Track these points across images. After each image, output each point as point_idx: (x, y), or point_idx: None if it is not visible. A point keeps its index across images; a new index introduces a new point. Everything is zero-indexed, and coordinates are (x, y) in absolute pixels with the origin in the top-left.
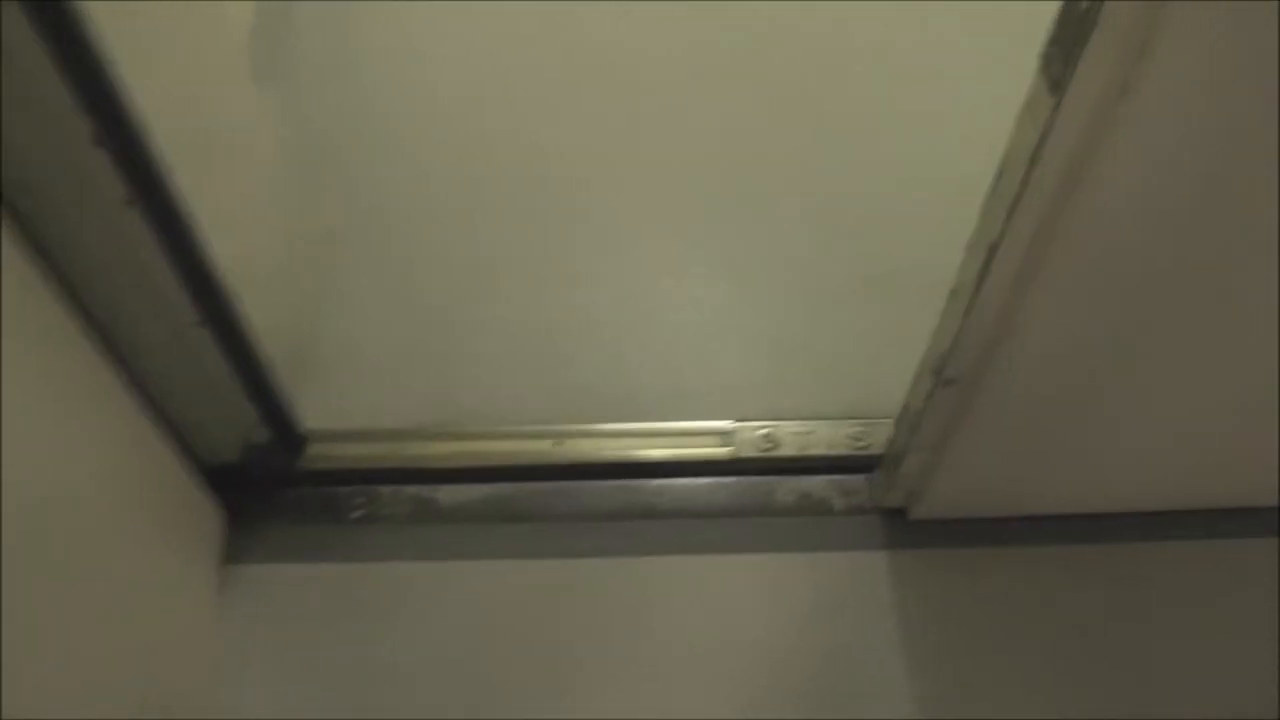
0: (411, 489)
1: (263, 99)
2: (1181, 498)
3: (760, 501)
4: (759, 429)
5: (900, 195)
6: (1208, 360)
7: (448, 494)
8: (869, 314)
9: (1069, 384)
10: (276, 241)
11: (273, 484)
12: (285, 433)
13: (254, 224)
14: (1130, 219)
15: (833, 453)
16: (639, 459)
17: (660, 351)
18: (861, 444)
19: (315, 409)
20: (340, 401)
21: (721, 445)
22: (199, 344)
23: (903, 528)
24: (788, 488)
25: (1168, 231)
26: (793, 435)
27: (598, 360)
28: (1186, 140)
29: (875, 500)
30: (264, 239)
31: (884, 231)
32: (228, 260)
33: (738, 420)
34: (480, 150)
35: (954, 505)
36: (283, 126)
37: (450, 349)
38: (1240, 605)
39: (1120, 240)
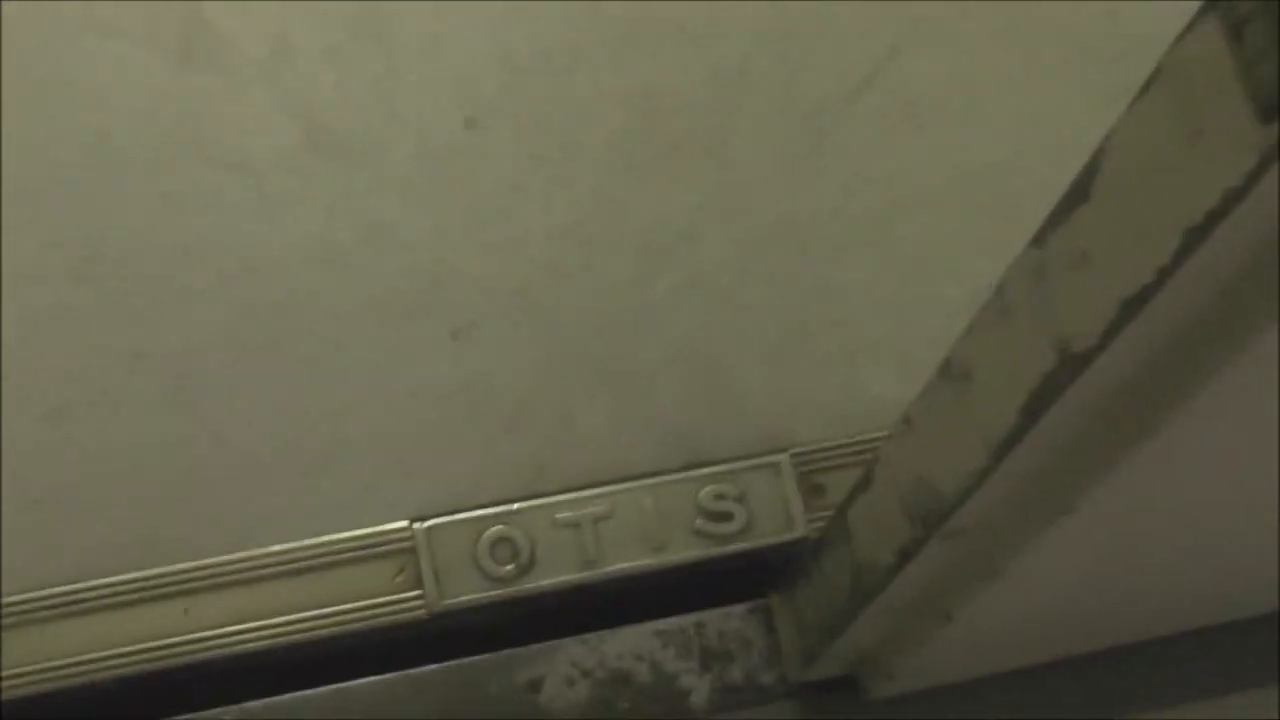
0: None
1: None
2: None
3: (511, 712)
4: (482, 526)
5: None
6: None
7: None
8: (675, 205)
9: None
10: None
11: None
12: None
13: None
14: None
15: (665, 560)
16: (200, 654)
17: (213, 379)
18: (729, 527)
19: None
20: None
21: (399, 586)
22: None
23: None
24: (569, 664)
25: None
26: (562, 530)
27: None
28: None
29: (788, 672)
30: None
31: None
32: None
33: (421, 517)
34: None
35: (962, 669)
36: None
37: None
38: None
39: None
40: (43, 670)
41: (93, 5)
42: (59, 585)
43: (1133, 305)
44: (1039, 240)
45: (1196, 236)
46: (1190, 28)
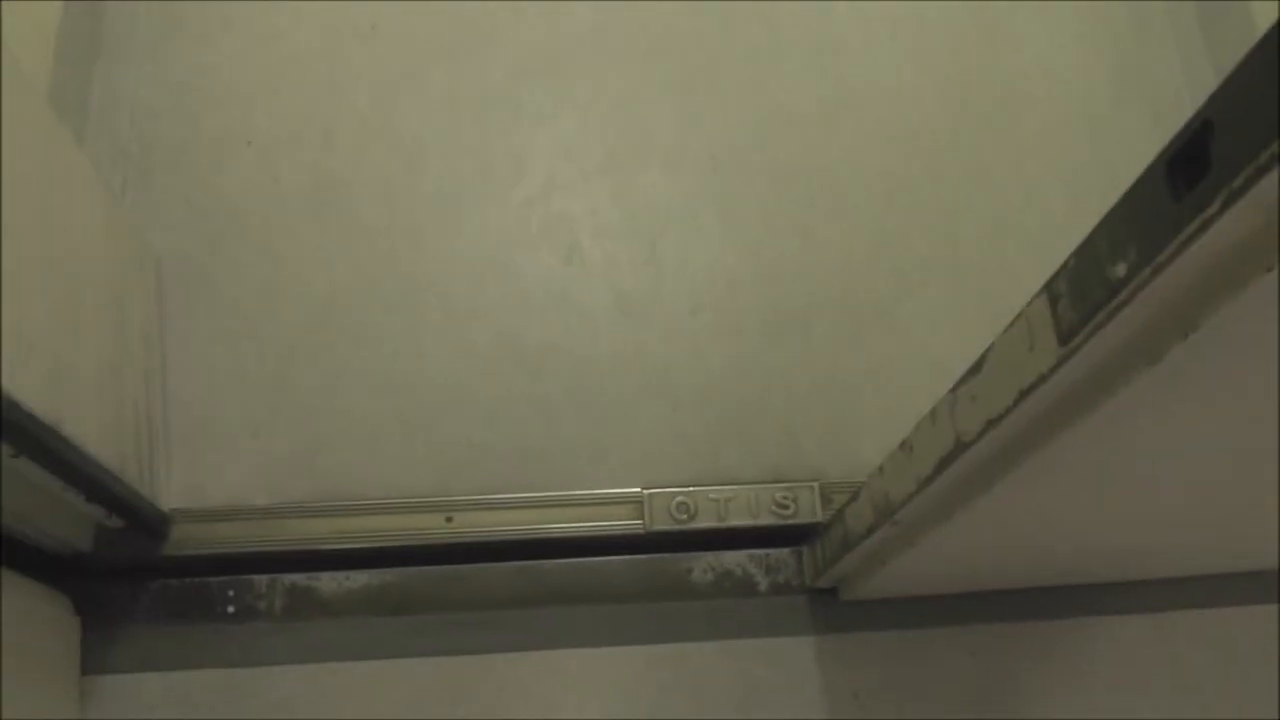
0: (289, 578)
1: None
2: (1119, 573)
3: (676, 582)
4: (674, 495)
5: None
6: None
7: (329, 583)
8: (783, 355)
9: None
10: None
11: (136, 574)
12: (143, 518)
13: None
14: None
15: (756, 522)
16: (541, 535)
17: (559, 408)
18: (787, 512)
19: (179, 486)
20: (204, 477)
21: (632, 516)
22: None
23: (832, 608)
24: (705, 564)
25: None
26: (710, 502)
27: (488, 417)
28: None
29: (805, 581)
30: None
31: (794, 264)
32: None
33: (646, 486)
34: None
35: (890, 590)
36: None
37: (312, 404)
38: (1182, 679)
39: None
40: (489, 530)
41: (510, 226)
42: (496, 492)
43: (991, 424)
44: (955, 389)
45: (1024, 395)
46: (1034, 297)
